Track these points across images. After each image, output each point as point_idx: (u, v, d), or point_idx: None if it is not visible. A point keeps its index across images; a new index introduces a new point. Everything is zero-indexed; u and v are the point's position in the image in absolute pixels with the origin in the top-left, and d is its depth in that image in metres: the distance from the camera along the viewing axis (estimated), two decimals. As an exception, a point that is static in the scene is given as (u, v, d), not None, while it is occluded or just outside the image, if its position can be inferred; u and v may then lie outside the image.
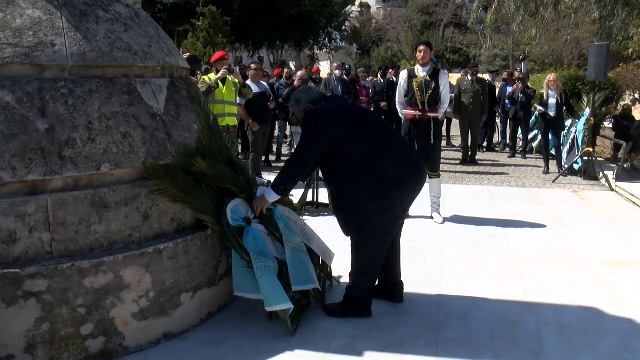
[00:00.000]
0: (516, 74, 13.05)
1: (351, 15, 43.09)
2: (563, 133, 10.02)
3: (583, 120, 9.54)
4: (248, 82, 7.86)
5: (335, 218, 3.63)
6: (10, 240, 2.79)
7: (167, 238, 3.24)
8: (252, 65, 8.19)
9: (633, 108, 16.41)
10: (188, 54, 9.26)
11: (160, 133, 3.33)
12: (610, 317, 3.75)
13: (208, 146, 3.60)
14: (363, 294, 3.66)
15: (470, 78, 10.55)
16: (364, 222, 3.45)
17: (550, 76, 9.87)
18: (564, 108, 9.57)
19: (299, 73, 8.68)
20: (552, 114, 9.41)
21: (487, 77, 13.49)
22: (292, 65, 34.66)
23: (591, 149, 9.05)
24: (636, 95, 17.84)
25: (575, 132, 9.79)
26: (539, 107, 9.60)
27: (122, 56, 3.28)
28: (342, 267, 4.27)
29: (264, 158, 9.64)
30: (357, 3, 46.08)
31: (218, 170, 3.52)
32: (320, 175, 6.39)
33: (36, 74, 3.00)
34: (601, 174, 8.71)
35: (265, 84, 8.46)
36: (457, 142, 12.84)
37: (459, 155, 10.70)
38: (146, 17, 3.77)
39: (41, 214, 2.84)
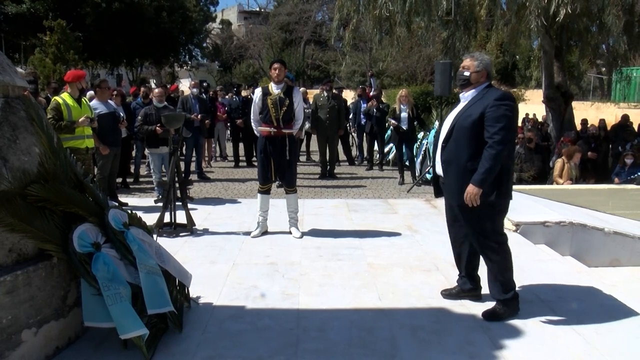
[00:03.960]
0: (368, 89, 13.67)
1: (212, 32, 42.93)
2: (415, 145, 10.65)
3: (433, 132, 10.22)
4: (94, 101, 7.50)
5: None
6: None
7: (4, 271, 2.99)
8: (99, 83, 7.78)
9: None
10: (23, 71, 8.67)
11: (-6, 158, 3.10)
12: (457, 314, 4.05)
13: (52, 169, 3.41)
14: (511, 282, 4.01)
15: (325, 94, 10.86)
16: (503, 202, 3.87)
17: (402, 91, 10.44)
18: (415, 122, 10.18)
19: (156, 91, 8.44)
20: (404, 127, 9.94)
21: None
22: (152, 82, 33.72)
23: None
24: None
25: (426, 144, 10.45)
26: (392, 121, 10.12)
27: (-61, 73, 3.00)
28: (199, 288, 4.22)
29: (120, 180, 9.26)
30: (217, 20, 45.99)
31: (63, 194, 3.34)
32: (178, 194, 6.30)
33: None
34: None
35: (112, 103, 8.10)
36: (316, 157, 13.18)
37: (319, 169, 10.96)
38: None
39: None
